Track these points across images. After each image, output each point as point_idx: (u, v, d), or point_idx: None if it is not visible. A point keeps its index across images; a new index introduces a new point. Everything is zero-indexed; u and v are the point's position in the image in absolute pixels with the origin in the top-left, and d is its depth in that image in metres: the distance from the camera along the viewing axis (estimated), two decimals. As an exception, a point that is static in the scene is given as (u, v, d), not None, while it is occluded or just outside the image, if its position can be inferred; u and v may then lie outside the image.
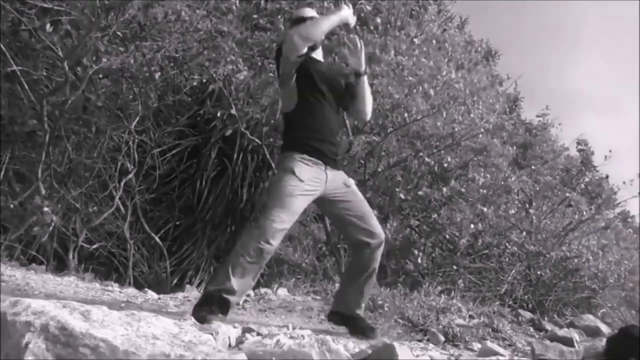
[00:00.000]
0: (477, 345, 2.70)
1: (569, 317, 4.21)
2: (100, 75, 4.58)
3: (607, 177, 7.50)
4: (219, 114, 5.02)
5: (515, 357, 2.53)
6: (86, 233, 4.45)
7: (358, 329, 2.40)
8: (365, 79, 2.51)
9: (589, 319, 3.69)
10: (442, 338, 2.72)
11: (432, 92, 5.04)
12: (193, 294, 3.29)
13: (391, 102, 4.98)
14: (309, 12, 2.57)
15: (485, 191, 5.24)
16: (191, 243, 5.29)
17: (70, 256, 4.28)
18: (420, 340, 2.68)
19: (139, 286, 3.98)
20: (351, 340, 2.24)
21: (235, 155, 5.30)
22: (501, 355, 2.34)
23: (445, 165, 5.29)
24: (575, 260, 5.06)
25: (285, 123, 2.52)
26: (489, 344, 2.72)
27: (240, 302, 2.93)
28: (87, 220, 4.53)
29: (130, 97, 4.72)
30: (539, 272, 4.96)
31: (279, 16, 5.14)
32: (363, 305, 2.51)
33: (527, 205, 5.65)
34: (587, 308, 4.97)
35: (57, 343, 1.25)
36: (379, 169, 5.16)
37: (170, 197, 5.34)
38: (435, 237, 5.12)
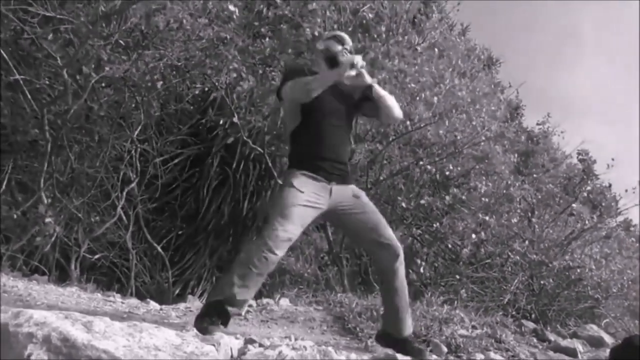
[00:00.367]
0: (480, 356, 2.67)
1: (572, 327, 4.17)
2: (103, 84, 4.60)
3: (610, 186, 7.48)
4: (221, 122, 5.03)
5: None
6: (88, 243, 4.45)
7: (406, 351, 2.29)
8: (376, 87, 2.47)
9: (592, 329, 3.66)
10: (445, 349, 2.70)
11: (435, 99, 5.05)
12: (195, 304, 3.28)
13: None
14: (349, 39, 2.58)
15: (487, 200, 5.23)
16: (193, 253, 5.28)
17: (73, 266, 4.27)
18: (423, 351, 2.65)
19: (141, 297, 3.97)
20: (354, 351, 2.23)
21: (237, 164, 5.31)
22: (505, 366, 2.32)
23: (447, 173, 5.29)
24: (578, 270, 5.04)
25: (290, 142, 2.54)
26: (492, 355, 2.70)
27: (243, 313, 2.91)
28: (90, 230, 4.52)
29: (133, 105, 4.74)
30: (541, 282, 4.93)
31: (281, 24, 5.16)
32: (408, 323, 2.41)
33: (530, 214, 5.64)
34: (590, 318, 4.93)
35: (59, 354, 1.25)
36: (381, 177, 5.16)
37: (173, 206, 5.34)
38: (437, 246, 5.11)
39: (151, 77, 4.47)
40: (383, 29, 5.27)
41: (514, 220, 5.30)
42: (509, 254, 5.09)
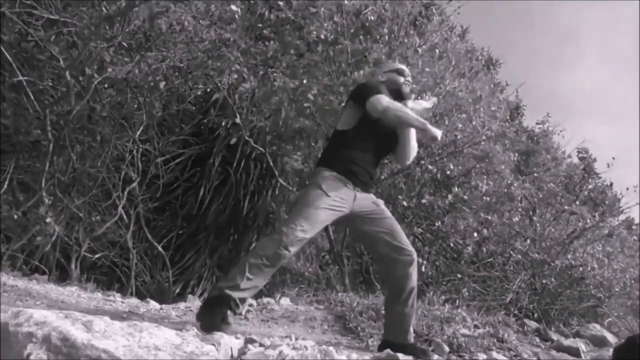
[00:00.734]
0: (482, 356, 2.67)
1: (575, 326, 4.16)
2: (105, 85, 4.62)
3: (611, 184, 7.46)
4: (223, 124, 5.04)
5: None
6: (89, 242, 4.46)
7: (411, 353, 2.27)
8: (414, 131, 2.55)
9: (595, 329, 3.65)
10: (447, 348, 2.70)
11: (435, 100, 5.05)
12: (195, 304, 3.27)
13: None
14: (407, 69, 2.71)
15: (488, 199, 5.23)
16: (194, 252, 5.29)
17: (73, 266, 4.27)
18: (424, 351, 2.64)
19: (141, 296, 3.97)
20: (355, 351, 2.23)
21: (238, 164, 5.32)
22: (507, 365, 2.31)
23: (448, 172, 5.29)
24: (581, 269, 5.02)
25: (332, 138, 2.59)
26: (494, 354, 2.69)
27: (243, 313, 2.91)
28: (90, 229, 4.53)
29: (135, 106, 4.75)
30: (544, 281, 4.92)
31: (283, 26, 5.17)
32: (411, 330, 2.43)
33: (531, 213, 5.63)
34: (593, 317, 4.92)
35: (59, 354, 1.25)
36: (382, 177, 5.16)
37: (174, 205, 5.35)
38: (439, 245, 5.10)
39: (153, 78, 4.49)
40: (385, 31, 5.28)
41: (516, 219, 5.30)
42: (511, 252, 5.08)
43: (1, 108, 4.29)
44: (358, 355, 2.03)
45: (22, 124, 4.36)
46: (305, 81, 4.50)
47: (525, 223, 5.39)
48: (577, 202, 6.03)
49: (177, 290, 4.96)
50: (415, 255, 2.45)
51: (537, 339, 3.31)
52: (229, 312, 2.17)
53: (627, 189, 6.14)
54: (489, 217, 4.98)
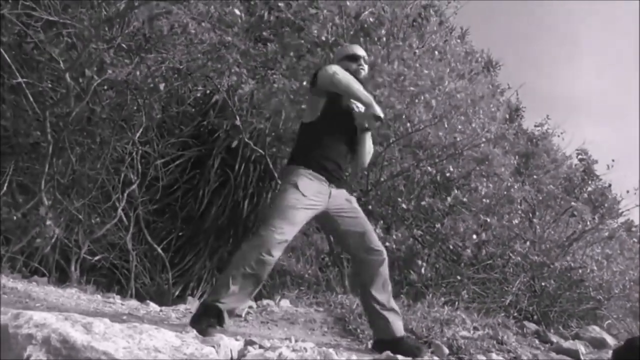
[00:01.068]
0: (481, 358, 2.67)
1: (575, 328, 4.16)
2: (105, 87, 4.62)
3: (609, 186, 7.45)
4: (224, 126, 5.05)
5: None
6: (89, 244, 4.46)
7: (403, 351, 2.24)
8: (369, 134, 2.52)
9: (595, 331, 3.66)
10: (447, 350, 2.69)
11: (433, 102, 5.06)
12: (195, 306, 3.27)
13: (393, 113, 4.99)
14: (361, 51, 2.64)
15: (488, 201, 5.23)
16: (193, 254, 5.29)
17: (73, 268, 4.27)
18: (424, 353, 2.64)
19: (140, 298, 3.97)
20: (354, 353, 2.22)
21: (237, 166, 5.32)
22: (506, 368, 2.31)
23: (448, 174, 5.29)
24: (580, 271, 5.02)
25: (299, 134, 2.55)
26: (493, 356, 2.69)
27: (243, 315, 2.91)
28: (90, 231, 4.53)
29: (135, 108, 4.76)
30: (543, 283, 4.92)
31: (283, 28, 5.18)
32: (399, 324, 2.42)
33: (531, 215, 5.63)
34: (592, 319, 4.92)
35: (58, 356, 1.25)
36: (382, 179, 5.15)
37: (173, 207, 5.35)
38: (438, 248, 5.09)
39: (153, 80, 4.49)
40: (383, 32, 5.29)
41: (515, 221, 5.29)
42: (510, 255, 5.08)
43: (1, 110, 4.29)
44: (358, 357, 2.03)
45: (21, 126, 4.37)
46: (305, 83, 4.50)
47: (525, 225, 5.39)
48: (577, 204, 6.02)
49: (177, 292, 4.95)
50: (385, 255, 2.42)
51: (537, 341, 3.32)
52: (216, 321, 2.14)
53: (628, 191, 6.14)
54: (489, 220, 4.98)
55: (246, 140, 4.89)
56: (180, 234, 5.32)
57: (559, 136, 8.25)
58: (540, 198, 5.94)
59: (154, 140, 5.01)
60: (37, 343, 1.25)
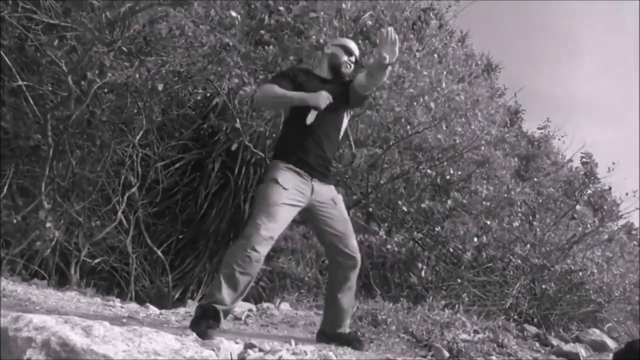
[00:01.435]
0: (482, 361, 2.66)
1: (575, 331, 4.15)
2: (105, 90, 4.63)
3: (610, 189, 7.45)
4: (224, 128, 5.05)
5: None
6: (88, 247, 4.45)
7: (345, 342, 2.44)
8: (388, 69, 2.39)
9: (595, 334, 3.65)
10: (447, 354, 2.69)
11: (432, 104, 5.07)
12: (195, 309, 3.27)
13: (393, 115, 5.00)
14: (357, 50, 2.64)
15: (488, 203, 5.23)
16: (193, 257, 5.28)
17: (72, 271, 4.27)
18: (424, 356, 2.64)
19: (140, 301, 3.96)
20: (354, 356, 2.22)
21: (238, 169, 5.32)
22: (507, 371, 2.31)
23: (448, 177, 5.29)
24: (580, 274, 5.01)
25: (282, 128, 2.59)
26: (494, 359, 2.69)
27: (243, 318, 2.91)
28: (90, 234, 4.53)
29: (135, 111, 4.76)
30: (543, 286, 4.91)
31: (283, 31, 5.19)
32: (346, 322, 2.53)
33: (531, 218, 5.62)
34: (592, 322, 4.91)
35: (58, 359, 1.25)
36: (382, 182, 5.16)
37: (173, 210, 5.34)
38: (438, 250, 5.09)
39: (153, 82, 4.50)
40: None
41: (516, 224, 5.29)
42: (511, 257, 5.07)
43: (1, 112, 4.30)
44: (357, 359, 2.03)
45: (21, 129, 4.37)
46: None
47: (525, 228, 5.38)
48: (578, 207, 6.02)
49: (177, 295, 4.95)
50: (358, 262, 2.45)
51: (537, 344, 3.31)
52: (214, 322, 2.16)
53: (627, 194, 6.13)
54: (489, 222, 4.98)
55: (246, 143, 4.89)
56: (180, 236, 5.31)
57: (559, 139, 8.25)
58: (541, 201, 5.94)
59: (154, 143, 5.01)
60: (36, 346, 1.25)
